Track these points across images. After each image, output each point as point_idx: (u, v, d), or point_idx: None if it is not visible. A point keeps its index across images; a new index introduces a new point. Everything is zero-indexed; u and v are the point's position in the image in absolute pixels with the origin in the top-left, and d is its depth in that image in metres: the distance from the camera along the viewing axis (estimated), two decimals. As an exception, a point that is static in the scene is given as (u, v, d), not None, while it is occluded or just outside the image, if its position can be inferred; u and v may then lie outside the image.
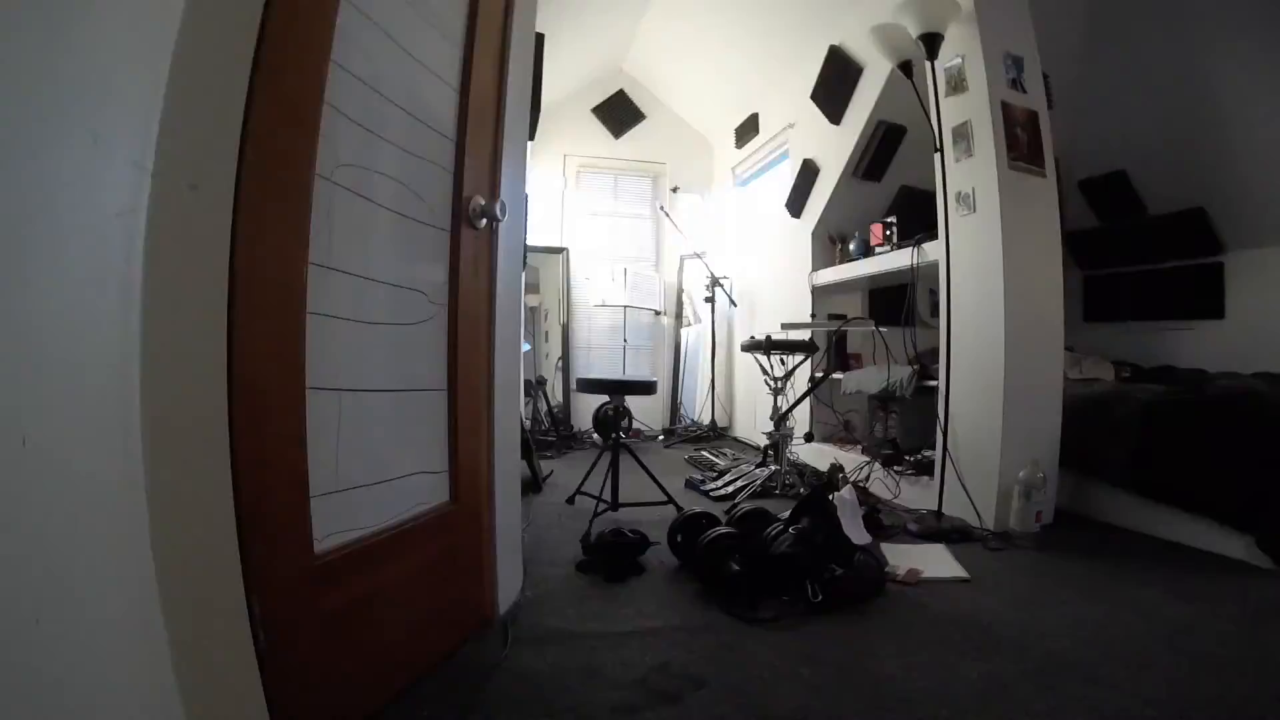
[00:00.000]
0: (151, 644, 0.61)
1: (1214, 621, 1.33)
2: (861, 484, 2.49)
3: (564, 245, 4.44)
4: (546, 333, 4.41)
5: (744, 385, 4.05)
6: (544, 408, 3.98)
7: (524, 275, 1.62)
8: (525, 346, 4.07)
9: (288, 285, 0.79)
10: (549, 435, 3.86)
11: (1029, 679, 1.09)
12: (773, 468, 2.64)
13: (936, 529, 1.96)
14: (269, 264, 0.75)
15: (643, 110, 4.64)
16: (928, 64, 2.18)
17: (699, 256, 4.23)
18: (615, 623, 1.32)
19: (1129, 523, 2.05)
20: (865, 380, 2.74)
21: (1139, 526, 2.02)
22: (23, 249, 0.59)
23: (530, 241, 3.21)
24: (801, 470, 2.72)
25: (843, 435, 3.16)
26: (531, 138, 1.84)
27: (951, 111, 2.21)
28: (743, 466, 2.84)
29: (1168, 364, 2.88)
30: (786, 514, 1.61)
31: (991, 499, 2.03)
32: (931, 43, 2.11)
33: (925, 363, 2.46)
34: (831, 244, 3.25)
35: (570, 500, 2.37)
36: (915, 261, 2.45)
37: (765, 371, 2.72)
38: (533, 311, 4.34)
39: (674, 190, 4.67)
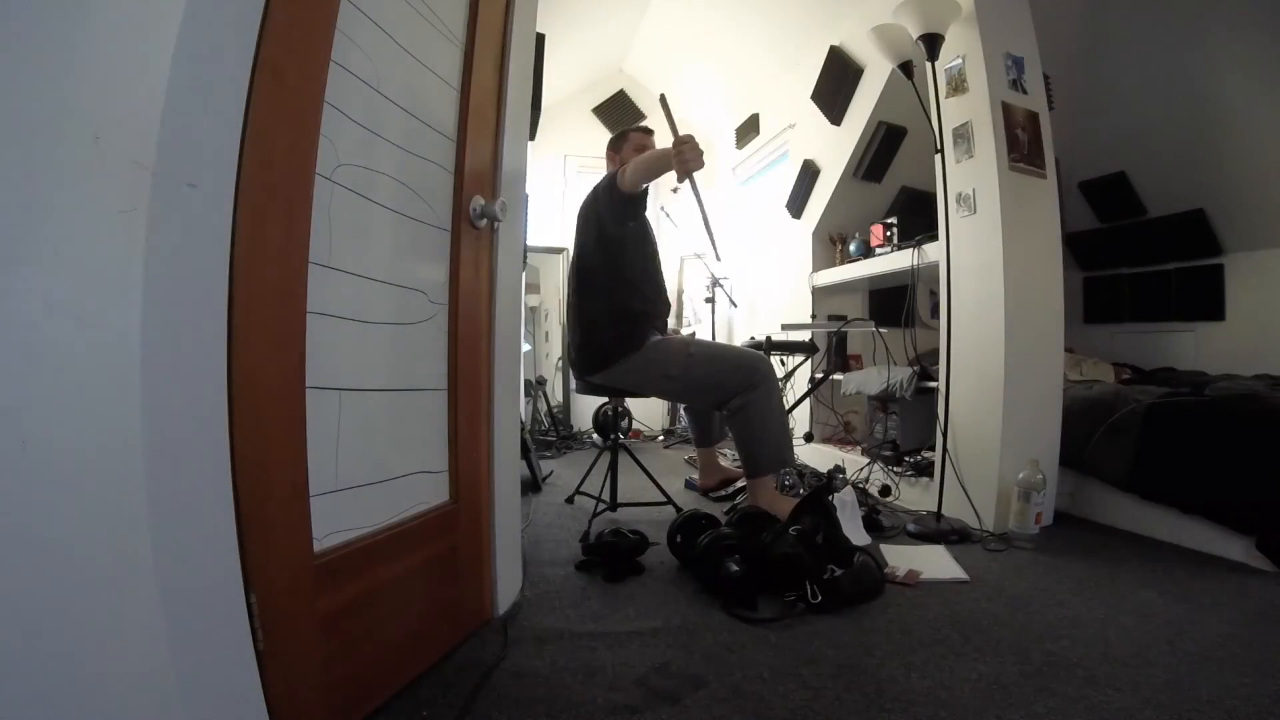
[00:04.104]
0: (151, 643, 0.61)
1: (1213, 623, 1.33)
2: (861, 485, 2.48)
3: (564, 245, 4.44)
4: (547, 333, 4.41)
5: (744, 386, 4.05)
6: (544, 408, 3.98)
7: (524, 275, 1.62)
8: (525, 346, 4.07)
9: (288, 285, 0.79)
10: (549, 435, 3.86)
11: (1029, 680, 1.09)
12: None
13: (936, 530, 1.96)
14: (269, 264, 0.75)
15: (643, 110, 4.64)
16: (928, 65, 2.18)
17: (699, 257, 4.23)
18: (615, 623, 1.32)
19: (1128, 524, 2.05)
20: (865, 381, 2.74)
21: (1138, 528, 2.02)
22: (23, 248, 0.59)
23: (530, 241, 3.22)
24: (801, 471, 2.72)
25: (843, 436, 3.16)
26: (532, 138, 1.84)
27: (952, 112, 2.21)
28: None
29: (1168, 366, 2.88)
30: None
31: (991, 500, 2.03)
32: (932, 43, 2.11)
33: (925, 364, 2.46)
34: (832, 244, 3.25)
35: (570, 500, 2.38)
36: (915, 262, 2.45)
37: (765, 372, 2.71)
38: (533, 311, 4.34)
39: (674, 190, 4.67)
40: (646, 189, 1.91)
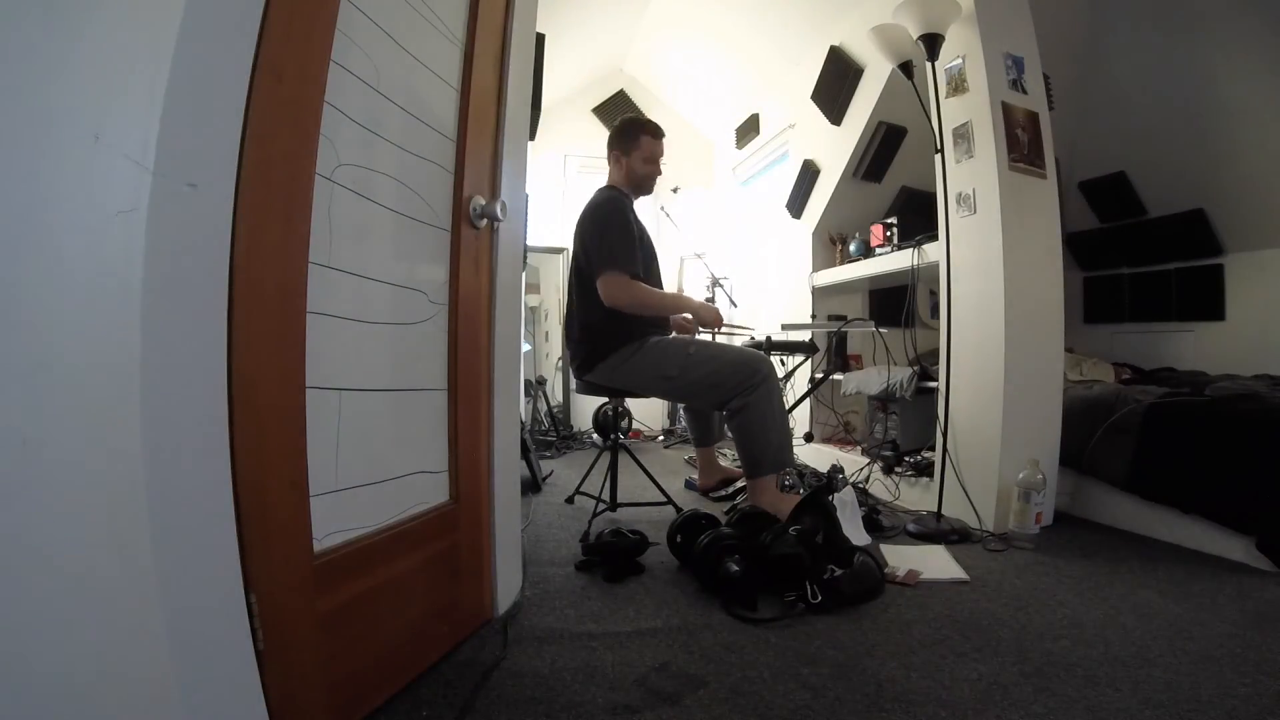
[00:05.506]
0: (151, 643, 0.61)
1: (1213, 623, 1.33)
2: (861, 485, 2.48)
3: (564, 245, 4.44)
4: (547, 333, 4.41)
5: (744, 386, 4.05)
6: (544, 408, 3.98)
7: (524, 275, 1.62)
8: (525, 346, 4.07)
9: (288, 285, 0.79)
10: (549, 435, 3.86)
11: (1028, 680, 1.09)
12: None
13: (936, 530, 1.96)
14: (269, 264, 0.75)
15: (643, 110, 4.64)
16: (928, 65, 2.18)
17: (699, 257, 4.23)
18: (615, 623, 1.32)
19: (1128, 524, 2.05)
20: (865, 381, 2.74)
21: (1138, 528, 2.02)
22: (23, 247, 0.59)
23: (530, 241, 3.21)
24: (801, 471, 2.72)
25: (843, 436, 3.16)
26: (532, 138, 1.84)
27: (952, 112, 2.21)
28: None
29: (1168, 366, 2.88)
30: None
31: (991, 500, 2.03)
32: (932, 43, 2.11)
33: (925, 364, 2.46)
34: (832, 244, 3.25)
35: (570, 500, 2.38)
36: (915, 262, 2.45)
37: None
38: (533, 311, 4.34)
39: (674, 190, 4.67)
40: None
